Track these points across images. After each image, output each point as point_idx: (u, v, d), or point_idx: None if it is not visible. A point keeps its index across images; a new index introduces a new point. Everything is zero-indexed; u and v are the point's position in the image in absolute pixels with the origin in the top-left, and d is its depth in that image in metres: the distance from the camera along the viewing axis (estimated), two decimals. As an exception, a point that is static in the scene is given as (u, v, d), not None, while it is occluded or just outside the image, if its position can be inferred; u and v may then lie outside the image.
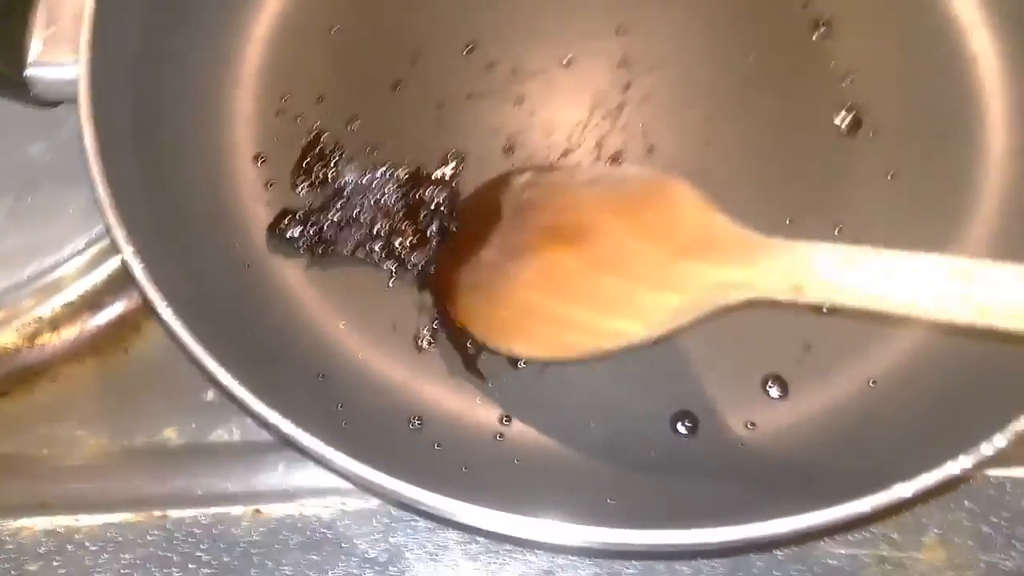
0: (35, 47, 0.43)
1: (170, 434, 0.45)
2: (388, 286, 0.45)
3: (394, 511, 0.44)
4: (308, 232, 0.46)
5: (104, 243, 0.48)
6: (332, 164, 0.47)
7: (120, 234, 0.38)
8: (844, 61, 0.49)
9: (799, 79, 0.50)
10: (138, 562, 0.43)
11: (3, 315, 0.48)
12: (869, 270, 0.33)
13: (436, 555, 0.43)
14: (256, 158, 0.48)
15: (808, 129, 0.48)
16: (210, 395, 0.46)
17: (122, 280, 0.48)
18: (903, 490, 0.33)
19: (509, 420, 0.43)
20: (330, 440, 0.35)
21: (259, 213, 0.47)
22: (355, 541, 0.43)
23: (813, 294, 0.34)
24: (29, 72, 0.42)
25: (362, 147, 0.48)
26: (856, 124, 0.48)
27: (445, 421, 0.43)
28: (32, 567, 0.43)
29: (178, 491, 0.44)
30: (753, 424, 0.43)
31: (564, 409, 0.43)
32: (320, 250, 0.45)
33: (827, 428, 0.42)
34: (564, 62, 0.50)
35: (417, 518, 0.44)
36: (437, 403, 0.43)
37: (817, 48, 0.50)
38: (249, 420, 0.45)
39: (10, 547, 0.43)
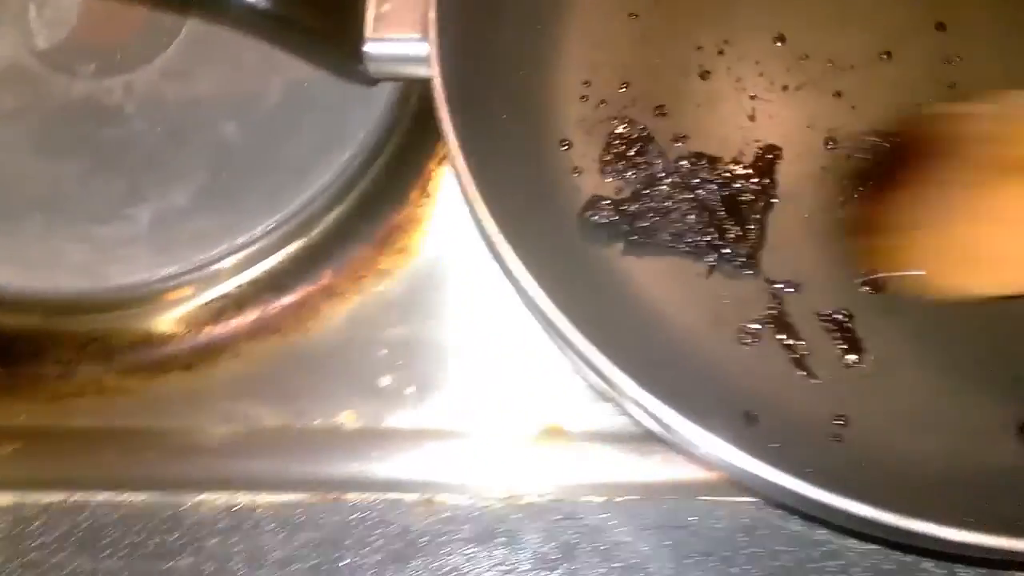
0: (370, 22, 0.42)
1: (346, 417, 0.45)
2: (707, 277, 0.44)
3: (565, 508, 0.43)
4: (621, 219, 0.45)
5: (289, 226, 0.48)
6: (640, 153, 0.47)
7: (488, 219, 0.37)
8: None
9: None
10: (312, 543, 0.43)
11: (190, 291, 0.48)
12: None
13: (608, 554, 0.42)
14: (561, 142, 0.47)
15: None
16: (385, 381, 0.46)
17: (305, 262, 0.48)
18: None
19: (844, 420, 0.41)
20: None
21: (568, 199, 0.46)
22: (525, 537, 0.43)
23: None
24: (368, 47, 0.42)
25: (670, 136, 0.47)
26: None
27: (778, 417, 0.41)
28: (210, 542, 0.43)
29: (353, 474, 0.44)
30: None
31: (899, 413, 0.41)
32: (635, 238, 0.45)
33: None
34: (882, 55, 0.48)
35: (585, 516, 0.43)
36: (767, 399, 0.42)
37: None
38: (425, 407, 0.45)
39: (189, 521, 0.44)
